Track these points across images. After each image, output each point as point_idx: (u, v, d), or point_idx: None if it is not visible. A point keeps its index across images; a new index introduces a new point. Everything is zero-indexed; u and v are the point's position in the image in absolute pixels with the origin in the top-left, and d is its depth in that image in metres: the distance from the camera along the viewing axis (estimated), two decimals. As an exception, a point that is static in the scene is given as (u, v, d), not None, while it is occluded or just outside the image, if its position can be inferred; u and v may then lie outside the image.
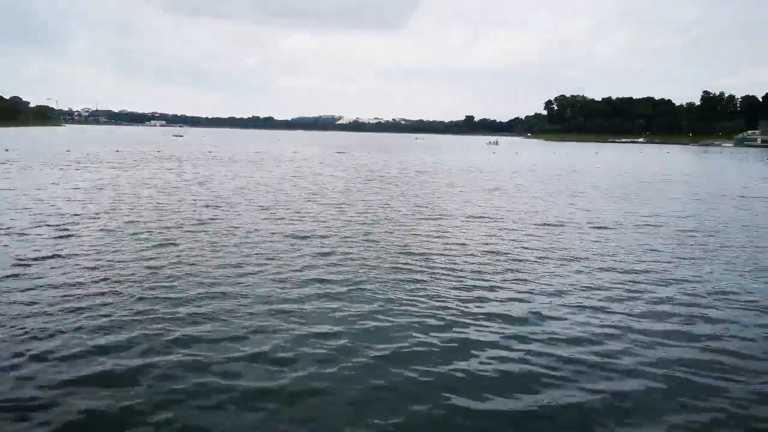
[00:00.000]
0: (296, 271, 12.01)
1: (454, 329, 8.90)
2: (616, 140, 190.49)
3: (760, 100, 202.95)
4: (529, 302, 10.33)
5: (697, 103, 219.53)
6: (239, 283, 11.02)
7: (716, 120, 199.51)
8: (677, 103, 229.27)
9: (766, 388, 7.15)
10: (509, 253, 14.25)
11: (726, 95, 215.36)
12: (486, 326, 9.07)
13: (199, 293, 10.29)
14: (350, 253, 13.83)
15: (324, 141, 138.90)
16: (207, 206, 20.96)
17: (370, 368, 7.47)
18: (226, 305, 9.69)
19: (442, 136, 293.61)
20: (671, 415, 6.46)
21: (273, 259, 13.00)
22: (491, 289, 11.12)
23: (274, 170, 40.48)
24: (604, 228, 18.44)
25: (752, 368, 7.72)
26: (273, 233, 16.03)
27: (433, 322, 9.20)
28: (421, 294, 10.65)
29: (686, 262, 13.72)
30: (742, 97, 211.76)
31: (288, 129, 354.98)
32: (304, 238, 15.50)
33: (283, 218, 18.74)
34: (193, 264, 12.34)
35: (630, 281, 11.86)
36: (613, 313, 9.83)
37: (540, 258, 13.84)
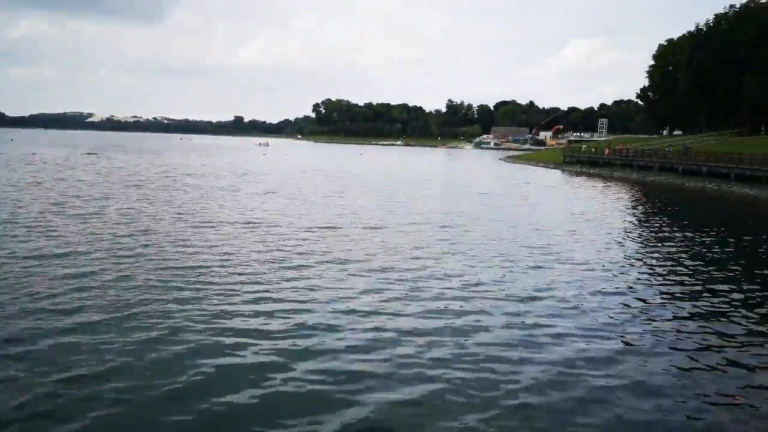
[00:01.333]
0: (39, 299, 9.98)
1: (234, 352, 8.23)
2: (378, 143, 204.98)
3: (492, 108, 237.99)
4: (311, 312, 10.11)
5: (444, 110, 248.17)
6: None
7: (458, 125, 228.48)
8: (427, 110, 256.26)
9: (518, 374, 8.00)
10: (285, 260, 13.92)
11: (465, 104, 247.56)
12: (267, 344, 8.57)
13: None
14: (109, 272, 12.05)
15: (71, 141, 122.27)
16: None
17: (144, 409, 6.43)
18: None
19: (210, 136, 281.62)
20: (444, 416, 6.78)
21: (5, 287, 10.64)
22: (272, 301, 10.65)
23: (5, 177, 34.01)
24: (376, 228, 19.31)
25: (503, 356, 8.60)
26: (8, 254, 13.22)
27: (211, 348, 8.38)
28: (197, 314, 9.68)
29: (448, 257, 14.99)
30: (478, 106, 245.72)
31: (24, 127, 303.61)
32: (46, 259, 13.07)
33: (17, 235, 15.65)
34: None
35: (402, 280, 12.45)
36: (389, 314, 10.14)
37: (317, 263, 13.79)
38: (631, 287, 12.73)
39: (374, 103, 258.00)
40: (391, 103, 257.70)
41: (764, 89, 69.26)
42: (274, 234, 17.57)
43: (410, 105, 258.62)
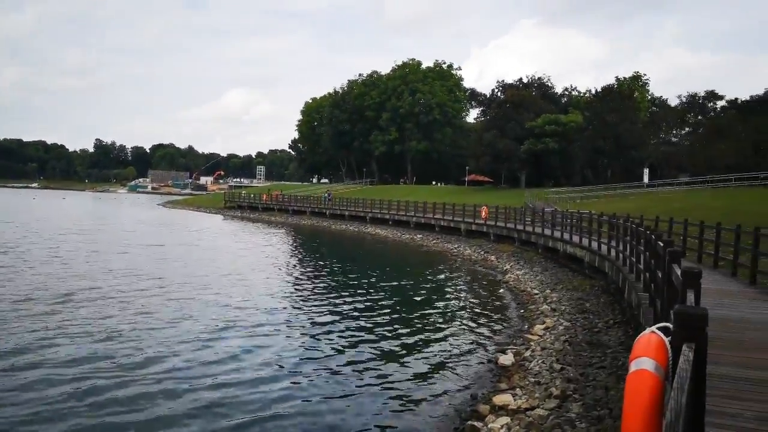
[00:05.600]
0: None
1: None
2: (8, 185, 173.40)
3: (148, 150, 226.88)
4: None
5: (91, 150, 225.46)
6: None
7: (110, 167, 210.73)
8: (71, 149, 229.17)
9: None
10: None
11: (118, 145, 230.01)
12: None
13: None
14: None
15: None
16: None
17: None
18: None
19: None
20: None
21: None
22: None
23: None
24: (26, 301, 16.29)
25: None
26: None
27: None
28: None
29: (139, 333, 13.55)
30: (132, 147, 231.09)
31: None
32: None
33: None
34: None
35: (99, 372, 10.97)
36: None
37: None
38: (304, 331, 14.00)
39: (0, 138, 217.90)
40: (24, 140, 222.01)
41: (387, 146, 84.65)
42: None
43: (49, 143, 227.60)
